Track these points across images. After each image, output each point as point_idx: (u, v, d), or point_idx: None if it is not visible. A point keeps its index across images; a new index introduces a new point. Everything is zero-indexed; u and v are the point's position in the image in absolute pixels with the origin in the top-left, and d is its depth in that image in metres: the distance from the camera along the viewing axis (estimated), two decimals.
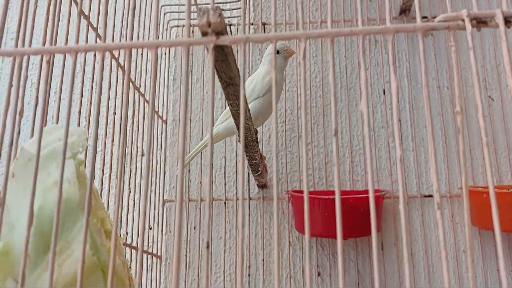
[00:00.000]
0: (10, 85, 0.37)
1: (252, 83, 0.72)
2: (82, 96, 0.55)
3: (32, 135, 0.43)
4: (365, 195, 0.73)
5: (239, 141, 0.65)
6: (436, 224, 0.81)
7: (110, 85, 0.63)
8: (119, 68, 0.67)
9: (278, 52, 0.73)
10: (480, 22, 0.34)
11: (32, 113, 0.43)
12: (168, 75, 0.92)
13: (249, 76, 0.76)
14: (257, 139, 0.63)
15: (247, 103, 0.52)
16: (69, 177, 0.36)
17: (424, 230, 0.81)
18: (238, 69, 0.46)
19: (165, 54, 0.92)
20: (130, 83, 0.68)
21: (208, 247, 0.27)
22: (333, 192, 0.77)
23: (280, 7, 0.92)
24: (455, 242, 0.80)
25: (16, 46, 0.41)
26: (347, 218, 0.71)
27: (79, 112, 0.54)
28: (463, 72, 0.88)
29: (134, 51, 0.77)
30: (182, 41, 0.32)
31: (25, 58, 0.40)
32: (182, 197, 0.27)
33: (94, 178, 0.46)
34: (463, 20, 0.34)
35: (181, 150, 0.29)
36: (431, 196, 0.82)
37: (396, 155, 0.27)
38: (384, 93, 0.88)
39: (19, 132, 0.39)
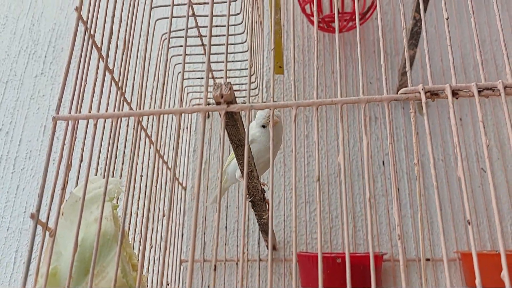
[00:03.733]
0: (63, 144, 0.47)
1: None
2: (114, 157, 0.65)
3: (77, 184, 0.52)
4: (364, 254, 0.79)
5: (249, 200, 0.73)
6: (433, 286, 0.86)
7: (139, 151, 0.73)
8: (146, 138, 0.78)
9: (263, 127, 0.73)
10: (433, 94, 0.44)
11: (78, 166, 0.52)
12: (189, 147, 1.03)
13: None
14: (265, 198, 0.71)
15: (254, 162, 0.61)
16: (107, 215, 0.45)
17: None
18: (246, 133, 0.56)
19: (187, 128, 1.03)
20: (153, 150, 0.78)
21: None
22: (336, 254, 0.83)
23: (289, 89, 1.04)
24: None
25: (70, 112, 0.51)
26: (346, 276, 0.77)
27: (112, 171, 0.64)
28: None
29: (159, 127, 0.88)
30: (200, 108, 0.43)
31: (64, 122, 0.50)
32: (193, 257, 0.36)
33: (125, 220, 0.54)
34: (419, 92, 0.43)
35: (195, 215, 0.38)
36: (428, 259, 0.87)
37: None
38: (383, 164, 0.96)
39: (67, 181, 0.48)
